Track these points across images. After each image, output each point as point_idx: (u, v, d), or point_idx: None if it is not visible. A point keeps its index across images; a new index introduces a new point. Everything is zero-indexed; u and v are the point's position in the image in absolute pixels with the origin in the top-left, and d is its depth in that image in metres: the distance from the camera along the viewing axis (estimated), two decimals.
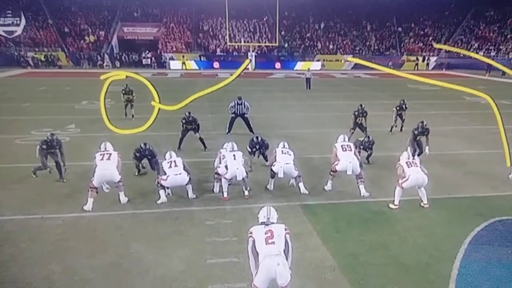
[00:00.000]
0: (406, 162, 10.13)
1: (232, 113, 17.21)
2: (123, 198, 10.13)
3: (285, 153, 11.02)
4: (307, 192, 10.90)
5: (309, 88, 33.35)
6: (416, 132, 13.54)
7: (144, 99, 23.66)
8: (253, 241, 5.84)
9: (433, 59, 56.35)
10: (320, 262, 7.65)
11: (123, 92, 20.46)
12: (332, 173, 11.16)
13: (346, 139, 11.64)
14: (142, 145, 12.37)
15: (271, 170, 11.00)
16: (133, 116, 20.34)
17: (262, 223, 5.98)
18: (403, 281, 7.12)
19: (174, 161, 10.44)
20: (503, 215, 9.68)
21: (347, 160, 10.73)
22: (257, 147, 12.86)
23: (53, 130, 16.61)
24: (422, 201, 10.11)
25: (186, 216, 9.50)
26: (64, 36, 54.23)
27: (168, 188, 10.44)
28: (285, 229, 5.93)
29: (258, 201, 10.12)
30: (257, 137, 12.93)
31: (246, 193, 10.62)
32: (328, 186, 11.27)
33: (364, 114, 15.85)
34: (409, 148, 12.28)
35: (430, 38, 59.67)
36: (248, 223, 8.92)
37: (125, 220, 9.26)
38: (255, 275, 5.72)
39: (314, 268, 7.43)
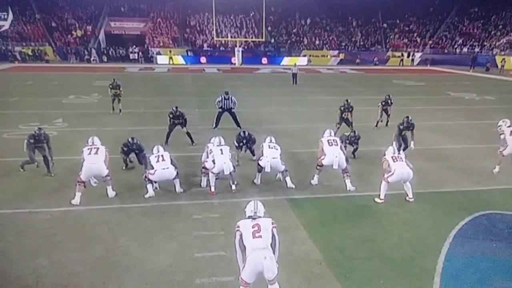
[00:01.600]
0: (392, 157, 10.15)
1: (219, 108, 17.14)
2: (111, 192, 10.06)
3: (272, 148, 10.98)
4: (293, 186, 10.89)
5: (296, 83, 33.34)
6: (401, 127, 13.59)
7: (131, 93, 23.83)
8: (240, 235, 5.84)
9: (418, 55, 56.66)
10: (306, 255, 7.65)
11: (110, 86, 20.19)
12: (318, 167, 11.16)
13: (332, 133, 11.64)
14: (130, 139, 12.24)
15: (258, 164, 10.96)
16: (120, 110, 20.13)
17: (249, 217, 5.99)
18: (388, 274, 7.14)
19: (162, 156, 10.36)
20: (487, 209, 9.74)
21: (333, 154, 10.71)
22: (244, 141, 12.84)
23: (41, 125, 16.42)
24: (407, 195, 10.14)
25: (173, 210, 9.46)
26: (51, 30, 53.68)
27: (155, 182, 10.37)
28: (272, 223, 5.94)
29: (245, 195, 10.13)
30: (244, 132, 12.91)
31: (233, 187, 10.58)
32: (315, 181, 11.27)
33: (350, 109, 15.92)
34: (394, 143, 12.32)
35: (415, 34, 60.04)
36: (236, 217, 8.87)
37: (112, 214, 9.18)
38: (243, 269, 5.72)
39: (301, 262, 7.44)
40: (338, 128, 15.56)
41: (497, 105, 24.10)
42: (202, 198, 10.17)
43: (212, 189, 10.44)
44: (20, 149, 11.65)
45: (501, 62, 46.56)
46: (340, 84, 35.05)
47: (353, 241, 8.22)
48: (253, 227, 5.83)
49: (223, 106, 17.14)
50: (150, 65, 48.45)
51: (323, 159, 10.99)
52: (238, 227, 5.91)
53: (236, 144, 12.80)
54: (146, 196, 10.09)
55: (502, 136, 12.45)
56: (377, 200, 10.08)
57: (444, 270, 7.26)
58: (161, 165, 10.18)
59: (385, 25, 61.94)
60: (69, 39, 53.58)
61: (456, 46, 56.10)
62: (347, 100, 16.08)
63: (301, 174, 11.87)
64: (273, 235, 5.88)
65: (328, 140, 11.14)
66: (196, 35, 57.22)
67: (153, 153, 10.49)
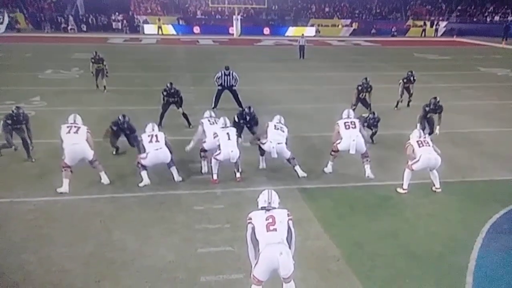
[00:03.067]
0: (417, 141, 10.13)
1: (218, 85, 17.14)
2: (105, 179, 10.22)
3: (278, 129, 10.97)
4: (305, 175, 10.98)
5: (303, 57, 33.30)
6: (427, 109, 13.53)
7: (116, 68, 23.80)
8: (253, 228, 5.83)
9: (442, 24, 56.41)
10: (322, 251, 7.79)
11: (92, 60, 20.07)
12: (333, 153, 11.22)
13: (352, 114, 11.60)
14: (121, 117, 12.21)
15: (260, 148, 11.13)
16: (105, 87, 20.14)
17: (263, 208, 5.96)
18: (414, 273, 7.25)
19: (156, 135, 10.39)
20: None
21: (351, 138, 10.76)
22: (248, 119, 12.79)
23: (16, 103, 16.55)
24: (434, 185, 10.21)
25: (172, 201, 9.59)
26: None
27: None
28: (288, 215, 5.91)
29: (251, 184, 10.35)
30: (249, 108, 12.94)
31: (238, 175, 10.69)
32: (329, 168, 11.36)
33: (369, 89, 15.93)
34: (418, 126, 12.44)
35: (440, 0, 59.66)
36: (241, 208, 9.08)
37: (104, 204, 9.31)
38: (255, 266, 5.73)
39: (317, 259, 7.56)
40: (354, 109, 15.56)
41: None
42: (203, 187, 10.28)
43: (215, 177, 10.51)
44: None
45: None
46: (353, 58, 35.09)
47: (374, 235, 8.35)
48: (267, 219, 5.80)
49: (223, 83, 17.11)
50: (136, 36, 48.31)
51: (338, 143, 11.01)
52: (250, 219, 5.90)
53: (236, 120, 12.74)
54: (141, 184, 10.15)
55: None
56: (399, 190, 10.17)
57: (477, 269, 7.34)
58: (154, 146, 10.22)
59: None
60: (43, 5, 53.26)
61: (486, 13, 55.79)
62: (366, 79, 16.03)
63: (313, 161, 11.98)
64: (289, 228, 5.85)
65: (345, 123, 11.09)
66: (188, 0, 56.89)
67: (145, 132, 10.56)
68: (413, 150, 10.08)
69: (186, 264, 7.30)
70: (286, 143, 10.91)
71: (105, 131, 11.88)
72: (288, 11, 57.67)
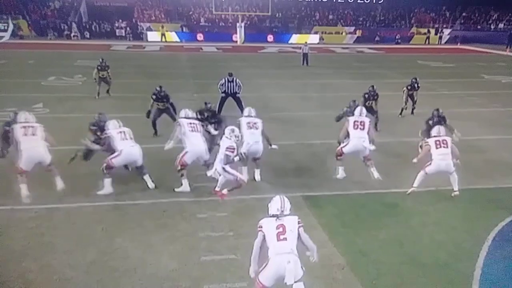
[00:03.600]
0: (436, 141, 10.05)
1: (222, 92, 17.04)
2: (60, 184, 9.90)
3: (251, 127, 10.77)
4: (259, 178, 11.03)
5: (307, 64, 33.41)
6: (430, 122, 12.82)
7: (119, 75, 23.80)
8: (263, 236, 5.84)
9: (446, 32, 56.40)
10: (327, 260, 7.67)
11: (99, 67, 19.97)
12: (338, 157, 11.08)
13: (364, 112, 11.42)
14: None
15: (241, 153, 10.42)
16: (108, 91, 20.36)
17: (274, 215, 5.94)
18: (420, 281, 7.19)
19: (124, 132, 10.22)
20: None
21: (359, 138, 10.77)
22: (205, 115, 12.66)
23: (18, 110, 16.52)
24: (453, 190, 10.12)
25: (175, 209, 9.50)
26: (25, 1, 53.50)
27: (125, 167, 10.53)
28: (299, 222, 5.94)
29: (255, 192, 10.27)
30: (206, 103, 13.10)
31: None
32: (341, 174, 11.17)
33: (375, 97, 15.71)
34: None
35: (444, 7, 59.68)
36: (244, 216, 9.12)
37: (106, 212, 9.25)
38: (262, 271, 5.75)
39: (322, 267, 7.38)
40: None
41: None
42: (206, 195, 10.11)
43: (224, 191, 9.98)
44: None
45: None
46: (357, 65, 35.07)
47: (379, 243, 8.29)
48: (277, 228, 5.80)
49: (226, 90, 16.98)
50: (139, 43, 48.31)
51: (343, 147, 10.89)
52: (261, 227, 5.90)
53: (199, 116, 12.50)
54: (101, 192, 9.86)
55: None
56: (409, 190, 10.18)
57: (483, 277, 7.28)
58: (129, 143, 10.09)
59: None
60: (46, 12, 53.44)
61: (490, 21, 55.79)
62: (372, 86, 15.83)
63: (317, 167, 11.95)
64: (299, 235, 5.89)
65: (354, 121, 10.95)
66: (192, 8, 57.02)
67: (109, 128, 10.26)
68: (429, 150, 10.08)
69: (189, 273, 7.24)
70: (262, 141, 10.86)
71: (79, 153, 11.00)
72: (292, 18, 57.74)
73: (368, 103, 15.55)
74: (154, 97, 14.48)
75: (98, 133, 11.14)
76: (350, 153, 10.86)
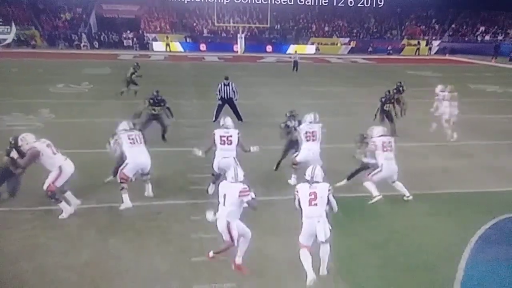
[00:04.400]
0: (383, 142, 9.50)
1: (219, 100, 16.86)
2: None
3: (223, 143, 9.49)
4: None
5: (296, 70, 34.28)
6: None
7: (125, 82, 23.61)
8: (299, 200, 6.80)
9: (435, 43, 56.31)
10: (315, 263, 7.48)
11: (132, 71, 21.67)
12: (294, 166, 10.62)
13: (317, 118, 10.65)
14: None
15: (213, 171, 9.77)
16: (136, 92, 21.09)
17: (307, 181, 6.81)
18: (405, 283, 7.04)
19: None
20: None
21: (309, 149, 10.20)
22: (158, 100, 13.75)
23: (25, 115, 16.43)
24: (404, 195, 9.75)
25: (168, 211, 9.30)
26: (38, 13, 53.46)
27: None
28: (329, 190, 6.80)
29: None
30: (157, 91, 13.87)
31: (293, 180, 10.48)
32: (292, 180, 10.52)
33: (393, 101, 15.33)
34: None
35: (433, 20, 59.60)
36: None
37: (101, 214, 9.02)
38: (300, 234, 6.81)
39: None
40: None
41: None
42: (200, 197, 9.87)
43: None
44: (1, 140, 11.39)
45: None
46: (351, 74, 34.92)
47: (365, 246, 8.09)
48: (310, 194, 6.68)
49: (223, 95, 16.80)
50: (145, 52, 48.09)
51: (297, 155, 10.49)
52: (297, 191, 6.86)
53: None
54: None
55: None
56: (371, 201, 9.53)
57: (465, 278, 7.12)
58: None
59: (399, 10, 61.43)
60: (58, 23, 53.38)
61: (477, 33, 55.69)
62: (389, 91, 15.60)
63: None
64: (329, 200, 6.76)
65: (306, 132, 10.28)
66: (195, 20, 56.97)
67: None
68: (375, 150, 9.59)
69: (180, 273, 7.07)
70: (235, 159, 9.46)
71: None
72: (290, 30, 57.65)
73: (386, 107, 15.21)
74: (151, 101, 14.04)
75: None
76: (302, 161, 10.17)
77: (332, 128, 11.97)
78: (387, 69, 38.93)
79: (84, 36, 51.40)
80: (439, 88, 16.12)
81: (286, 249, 7.52)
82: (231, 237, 6.84)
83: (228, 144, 9.43)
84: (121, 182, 9.13)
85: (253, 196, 6.88)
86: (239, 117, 16.57)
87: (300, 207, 6.77)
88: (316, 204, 6.63)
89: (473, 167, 12.59)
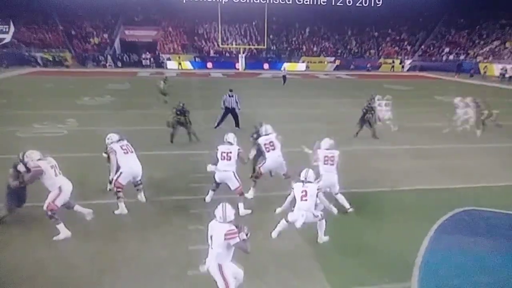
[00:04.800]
0: (325, 156, 8.70)
1: (223, 108, 16.72)
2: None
3: (224, 158, 8.74)
4: (249, 212, 8.82)
5: (284, 83, 34.89)
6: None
7: (141, 95, 23.52)
8: (294, 195, 7.43)
9: (408, 62, 56.14)
10: (296, 249, 7.47)
11: (163, 82, 23.06)
12: (255, 178, 9.68)
13: (268, 130, 9.80)
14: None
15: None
16: (166, 101, 21.64)
17: (302, 181, 7.36)
18: (371, 267, 6.92)
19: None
20: (468, 206, 9.38)
21: (272, 159, 9.46)
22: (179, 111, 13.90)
23: (55, 124, 16.36)
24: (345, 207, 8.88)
25: (169, 206, 9.13)
26: (71, 38, 53.52)
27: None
28: (318, 189, 7.38)
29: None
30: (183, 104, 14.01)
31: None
32: (249, 194, 9.56)
33: (372, 111, 15.34)
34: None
35: (406, 43, 59.57)
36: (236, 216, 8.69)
37: (109, 209, 8.70)
38: (289, 214, 7.46)
39: (290, 256, 7.23)
40: (358, 132, 15.33)
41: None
42: (200, 194, 9.54)
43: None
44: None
45: (484, 69, 46.27)
46: (335, 88, 34.69)
47: (340, 238, 7.89)
48: (302, 191, 7.24)
49: (227, 105, 16.66)
50: (160, 70, 47.70)
51: (261, 166, 9.58)
52: (293, 188, 7.49)
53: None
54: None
55: None
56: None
57: (423, 264, 7.03)
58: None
59: (377, 34, 61.42)
60: (87, 46, 53.41)
61: (443, 54, 55.58)
62: (369, 102, 15.61)
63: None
64: (317, 197, 7.31)
65: (264, 144, 9.43)
66: (203, 42, 56.96)
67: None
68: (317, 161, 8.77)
69: (177, 260, 6.95)
70: (234, 175, 8.79)
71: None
72: (284, 50, 57.56)
73: (367, 117, 15.20)
74: (178, 112, 14.21)
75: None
76: (266, 172, 9.68)
77: (315, 133, 11.79)
78: (367, 83, 38.67)
79: (109, 57, 51.35)
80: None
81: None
82: (225, 282, 5.44)
83: (227, 159, 8.70)
84: (117, 191, 8.44)
85: (244, 237, 5.34)
86: (237, 125, 16.46)
87: (294, 199, 7.41)
88: (306, 200, 7.18)
89: (433, 167, 12.40)
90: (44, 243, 7.36)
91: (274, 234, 7.68)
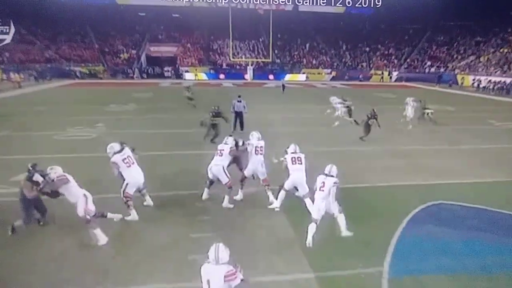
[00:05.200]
0: (292, 158, 8.31)
1: (232, 112, 16.64)
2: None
3: (217, 154, 8.76)
4: (231, 206, 8.65)
5: (283, 91, 34.89)
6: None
7: (162, 102, 23.52)
8: (315, 187, 7.29)
9: (395, 73, 55.58)
10: (285, 239, 7.44)
11: (188, 89, 23.97)
12: (241, 182, 9.19)
13: (259, 138, 9.25)
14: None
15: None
16: (194, 105, 22.77)
17: (325, 174, 7.25)
18: (348, 254, 6.86)
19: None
20: (438, 199, 9.28)
21: (254, 164, 8.97)
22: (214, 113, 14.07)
23: (85, 128, 16.46)
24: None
25: (177, 200, 9.01)
26: (104, 54, 53.85)
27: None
28: (335, 183, 7.15)
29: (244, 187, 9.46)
30: (218, 107, 14.20)
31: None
32: (239, 196, 9.16)
33: (375, 117, 15.11)
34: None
35: (393, 57, 59.09)
36: (236, 203, 8.83)
37: (122, 204, 8.27)
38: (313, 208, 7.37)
39: (279, 244, 7.21)
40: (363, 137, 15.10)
41: (456, 114, 23.38)
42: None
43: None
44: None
45: (461, 80, 45.94)
46: (330, 95, 34.20)
47: (323, 226, 7.65)
48: (321, 183, 7.18)
49: (236, 109, 16.63)
50: (179, 80, 47.82)
51: (245, 170, 9.14)
52: (316, 180, 7.30)
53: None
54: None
55: None
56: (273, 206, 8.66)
57: (395, 250, 6.98)
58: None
59: (368, 49, 61.04)
60: (118, 61, 53.66)
61: (425, 66, 55.05)
62: (373, 109, 15.36)
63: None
64: (330, 191, 7.11)
65: (255, 147, 9.03)
66: (217, 56, 56.98)
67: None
68: (287, 166, 8.34)
69: (180, 246, 6.97)
70: (224, 170, 8.61)
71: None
72: (287, 63, 57.37)
73: (371, 122, 15.03)
74: (212, 114, 14.39)
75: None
76: (249, 176, 9.15)
77: (310, 136, 11.72)
78: (359, 92, 38.32)
79: (136, 70, 51.49)
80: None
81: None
82: None
83: (219, 155, 8.68)
84: (127, 201, 7.84)
85: (242, 277, 4.49)
86: (242, 127, 16.42)
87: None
88: (323, 190, 7.11)
89: (409, 165, 12.24)
90: (70, 230, 7.37)
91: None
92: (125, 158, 7.79)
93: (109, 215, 7.51)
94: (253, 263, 6.43)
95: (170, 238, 7.24)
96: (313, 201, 7.46)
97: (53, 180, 6.86)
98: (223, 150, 8.76)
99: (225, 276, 4.32)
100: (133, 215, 7.88)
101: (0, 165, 11.40)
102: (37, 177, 6.94)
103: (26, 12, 52.80)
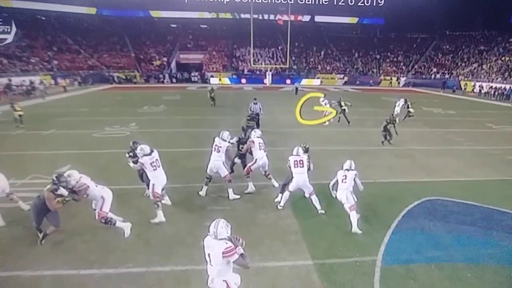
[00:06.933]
0: (294, 161, 8.09)
1: (250, 113, 16.55)
2: (24, 206, 7.89)
3: (215, 150, 8.68)
4: (237, 197, 8.75)
5: (296, 93, 35.06)
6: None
7: (190, 103, 23.69)
8: (337, 179, 7.69)
9: (403, 79, 54.57)
10: (287, 227, 7.48)
11: (211, 91, 25.77)
12: (247, 175, 9.26)
13: (259, 133, 9.46)
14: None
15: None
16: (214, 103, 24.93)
17: (346, 169, 7.62)
18: (346, 243, 6.88)
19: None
20: (432, 196, 9.20)
21: (261, 157, 9.10)
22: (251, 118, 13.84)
23: (120, 127, 16.81)
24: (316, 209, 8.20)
25: (193, 191, 9.09)
26: (139, 61, 54.62)
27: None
28: (356, 175, 7.55)
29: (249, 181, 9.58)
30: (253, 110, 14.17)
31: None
32: (250, 188, 9.22)
33: (393, 122, 14.78)
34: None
35: (401, 64, 58.04)
36: (243, 196, 8.91)
37: (144, 199, 8.63)
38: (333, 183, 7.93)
39: (282, 232, 7.26)
40: (385, 139, 14.75)
41: (457, 118, 22.88)
42: (218, 181, 9.20)
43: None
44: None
45: (464, 86, 44.93)
46: (343, 99, 33.94)
47: (323, 219, 7.89)
48: (342, 176, 7.58)
49: (253, 110, 16.63)
50: (205, 85, 48.02)
51: (251, 165, 9.17)
52: (337, 174, 7.71)
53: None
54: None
55: None
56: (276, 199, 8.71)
57: (389, 241, 6.95)
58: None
59: (378, 56, 60.09)
60: (151, 67, 54.37)
61: (431, 73, 53.85)
62: (392, 114, 15.23)
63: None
64: (355, 181, 7.57)
65: (259, 143, 9.12)
66: (239, 63, 57.12)
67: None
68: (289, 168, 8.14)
69: (194, 233, 7.08)
70: (224, 163, 8.69)
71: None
72: (303, 69, 57.02)
73: (389, 126, 14.72)
74: (248, 118, 14.24)
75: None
76: (256, 169, 9.20)
77: (322, 135, 11.69)
78: (369, 96, 37.93)
79: (167, 75, 52.00)
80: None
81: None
82: None
83: (217, 151, 8.61)
84: (157, 201, 7.60)
85: (242, 250, 4.45)
86: (258, 126, 16.35)
87: (336, 183, 7.70)
88: (345, 182, 7.46)
89: (411, 164, 12.10)
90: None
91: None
92: (153, 162, 7.54)
93: (118, 223, 7.06)
94: (257, 249, 6.55)
95: (185, 225, 7.41)
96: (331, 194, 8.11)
97: (73, 189, 6.68)
98: (221, 146, 8.59)
99: (223, 253, 4.33)
100: (160, 217, 7.59)
101: (46, 159, 11.82)
102: (62, 191, 6.56)
103: (73, 26, 54.57)
